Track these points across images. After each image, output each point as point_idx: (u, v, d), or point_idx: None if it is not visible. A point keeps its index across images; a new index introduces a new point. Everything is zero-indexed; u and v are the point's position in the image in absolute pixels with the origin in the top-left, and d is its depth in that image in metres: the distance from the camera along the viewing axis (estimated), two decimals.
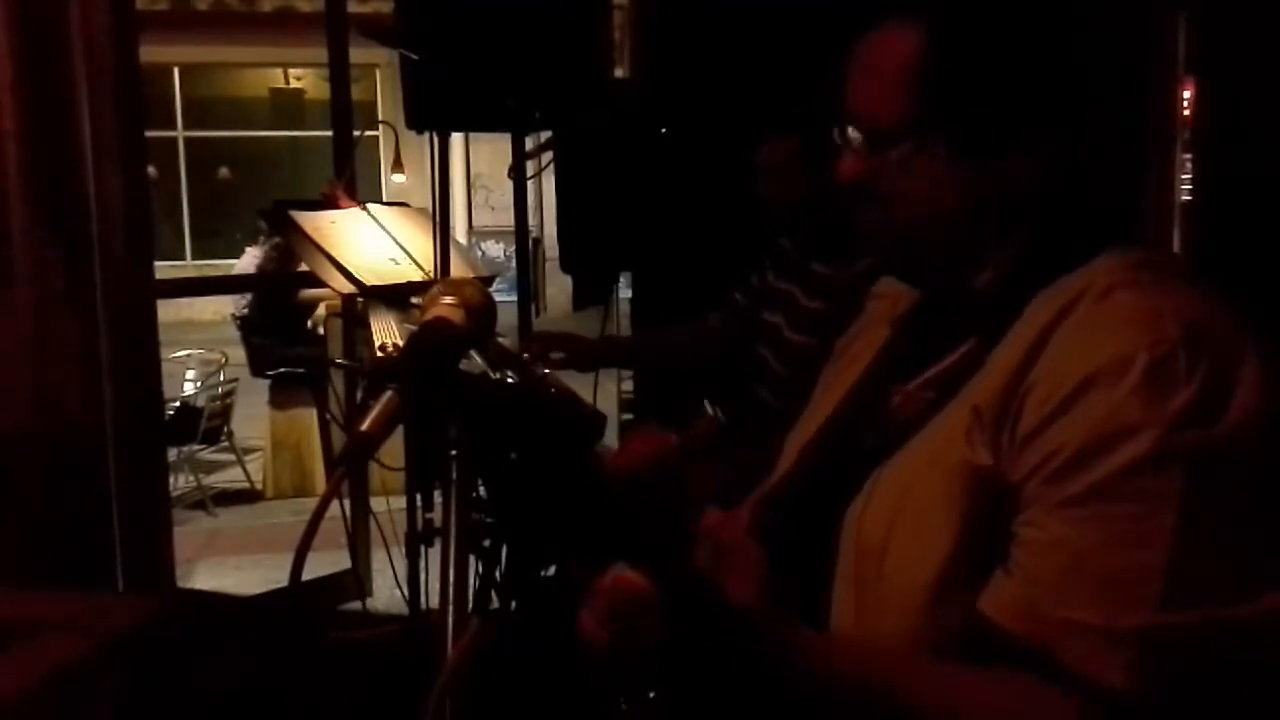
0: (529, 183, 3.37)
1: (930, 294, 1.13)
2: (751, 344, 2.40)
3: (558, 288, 10.63)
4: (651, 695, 1.04)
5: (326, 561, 3.42)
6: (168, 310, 3.42)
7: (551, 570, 1.10)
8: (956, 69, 0.99)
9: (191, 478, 5.59)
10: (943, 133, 1.00)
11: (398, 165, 8.69)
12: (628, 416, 4.09)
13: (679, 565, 0.97)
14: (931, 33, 1.00)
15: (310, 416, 5.42)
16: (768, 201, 2.30)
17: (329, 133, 3.79)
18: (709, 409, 1.05)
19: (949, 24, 1.00)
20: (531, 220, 9.17)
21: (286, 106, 14.63)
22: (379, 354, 2.11)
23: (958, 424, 0.96)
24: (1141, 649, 0.85)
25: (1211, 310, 0.93)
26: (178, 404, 5.60)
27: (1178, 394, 0.86)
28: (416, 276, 2.58)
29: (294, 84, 14.67)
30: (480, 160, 9.89)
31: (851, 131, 1.05)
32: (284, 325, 5.89)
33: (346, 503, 3.47)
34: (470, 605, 1.15)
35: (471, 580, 1.16)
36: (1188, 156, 3.27)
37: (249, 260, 6.68)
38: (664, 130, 3.43)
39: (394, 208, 2.88)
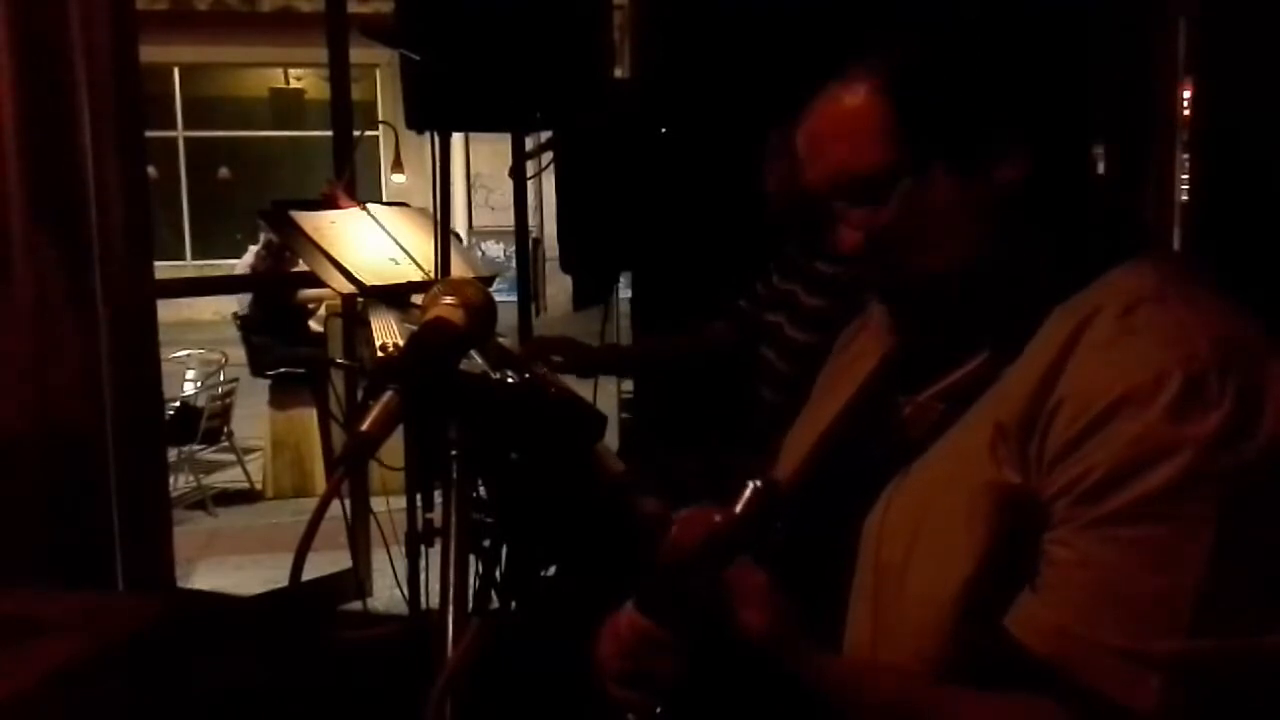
0: (529, 183, 3.37)
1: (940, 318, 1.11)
2: (755, 346, 2.40)
3: (558, 288, 10.62)
4: (659, 711, 1.03)
5: (326, 561, 3.42)
6: (168, 310, 3.42)
7: (551, 570, 1.10)
8: (927, 95, 0.99)
9: (191, 478, 5.59)
10: (935, 155, 0.99)
11: (398, 165, 8.69)
12: (627, 416, 4.08)
13: (694, 604, 0.96)
14: (892, 73, 1.00)
15: (310, 416, 5.42)
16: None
17: (329, 133, 3.79)
18: (752, 483, 1.02)
19: (908, 58, 1.01)
20: (531, 220, 9.16)
21: (286, 106, 14.63)
22: (379, 354, 2.11)
23: (979, 440, 0.95)
24: (1171, 673, 0.84)
25: (1238, 324, 0.92)
26: (178, 404, 5.59)
27: (1210, 415, 0.85)
28: (416, 276, 2.58)
29: (294, 84, 14.67)
30: (480, 160, 9.88)
31: (840, 203, 1.04)
32: (284, 325, 5.88)
33: (346, 503, 3.47)
34: (470, 605, 1.14)
35: (471, 580, 1.16)
36: (1187, 156, 3.27)
37: (249, 259, 6.66)
38: (664, 130, 3.43)
39: (394, 208, 2.88)
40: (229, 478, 6.00)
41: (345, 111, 3.79)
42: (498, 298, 1.25)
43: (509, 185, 3.30)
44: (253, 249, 6.52)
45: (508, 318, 2.16)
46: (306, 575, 1.01)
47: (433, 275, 2.63)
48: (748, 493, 1.00)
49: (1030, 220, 1.01)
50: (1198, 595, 0.84)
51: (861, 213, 1.03)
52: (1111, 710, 0.85)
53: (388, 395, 1.03)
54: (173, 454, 5.11)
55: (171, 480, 4.79)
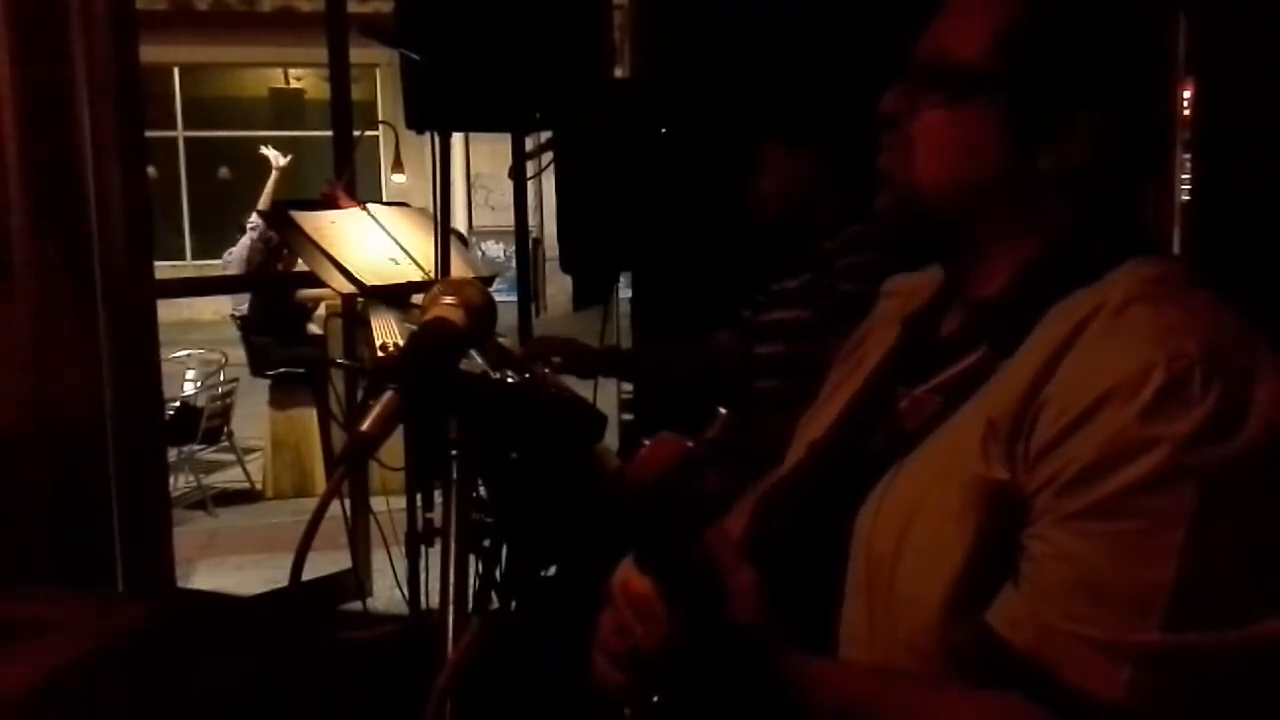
0: (529, 183, 3.37)
1: (937, 288, 1.12)
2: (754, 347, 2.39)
3: (558, 288, 10.63)
4: (655, 700, 1.04)
5: (326, 561, 3.42)
6: (168, 310, 3.42)
7: (551, 570, 1.10)
8: (1040, 33, 0.98)
9: (191, 478, 5.59)
10: (1007, 94, 0.99)
11: (398, 165, 8.68)
12: (627, 416, 4.08)
13: (685, 569, 0.97)
14: None
15: (310, 416, 5.42)
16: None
17: (329, 133, 3.79)
18: (721, 410, 1.04)
19: None
20: (531, 220, 9.16)
21: (286, 106, 14.62)
22: (379, 354, 2.11)
23: (971, 435, 0.95)
24: (1144, 666, 0.84)
25: (1230, 326, 0.92)
26: (178, 404, 5.60)
27: (1191, 411, 0.85)
28: (416, 276, 2.58)
29: (294, 84, 14.67)
30: (480, 160, 9.87)
31: (919, 66, 1.03)
32: (284, 325, 5.88)
33: (346, 503, 3.47)
34: (470, 605, 1.15)
35: (471, 580, 1.16)
36: (1188, 156, 3.27)
37: (238, 252, 6.47)
38: (664, 130, 3.43)
39: (394, 208, 2.88)
40: (229, 478, 6.00)
41: (345, 111, 3.79)
42: (498, 298, 1.25)
43: (509, 185, 3.30)
44: (241, 243, 6.35)
45: (508, 318, 2.16)
46: (306, 575, 1.01)
47: (433, 275, 2.63)
48: (719, 420, 1.03)
49: (1048, 205, 1.01)
50: (1172, 590, 0.84)
51: (913, 90, 1.02)
52: (1081, 700, 0.85)
53: (388, 395, 1.03)
54: (173, 454, 5.11)
55: (171, 480, 4.79)
